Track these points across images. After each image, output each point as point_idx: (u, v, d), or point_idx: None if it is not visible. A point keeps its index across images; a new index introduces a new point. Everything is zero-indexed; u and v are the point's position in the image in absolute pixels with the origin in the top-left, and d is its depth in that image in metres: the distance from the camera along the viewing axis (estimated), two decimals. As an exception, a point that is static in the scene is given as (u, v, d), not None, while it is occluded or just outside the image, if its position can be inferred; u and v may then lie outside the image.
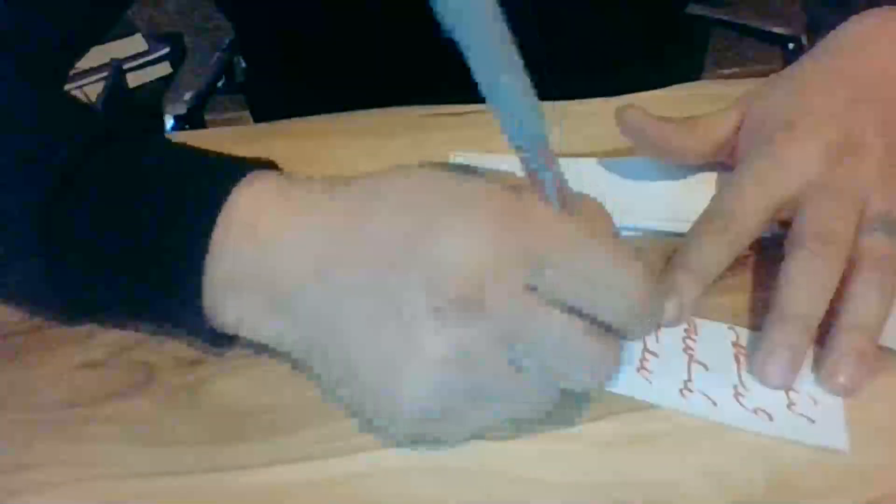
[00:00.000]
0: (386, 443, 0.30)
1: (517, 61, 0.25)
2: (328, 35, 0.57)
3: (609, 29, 0.58)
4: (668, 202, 0.42)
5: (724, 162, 0.42)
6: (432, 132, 0.48)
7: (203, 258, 0.30)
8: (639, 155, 0.43)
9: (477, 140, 0.44)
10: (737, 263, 0.36)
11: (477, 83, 0.25)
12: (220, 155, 0.33)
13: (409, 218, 0.28)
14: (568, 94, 0.50)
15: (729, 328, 0.34)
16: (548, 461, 0.30)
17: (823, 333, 0.33)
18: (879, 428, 0.31)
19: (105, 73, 1.38)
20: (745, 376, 0.32)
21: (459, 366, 0.27)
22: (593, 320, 0.28)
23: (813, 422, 0.30)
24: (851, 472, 0.29)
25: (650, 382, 0.32)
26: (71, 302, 0.33)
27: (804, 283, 0.33)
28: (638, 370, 0.32)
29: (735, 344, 0.34)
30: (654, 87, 0.51)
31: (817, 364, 0.32)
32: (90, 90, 1.40)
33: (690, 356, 0.33)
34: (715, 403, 0.31)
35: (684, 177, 0.43)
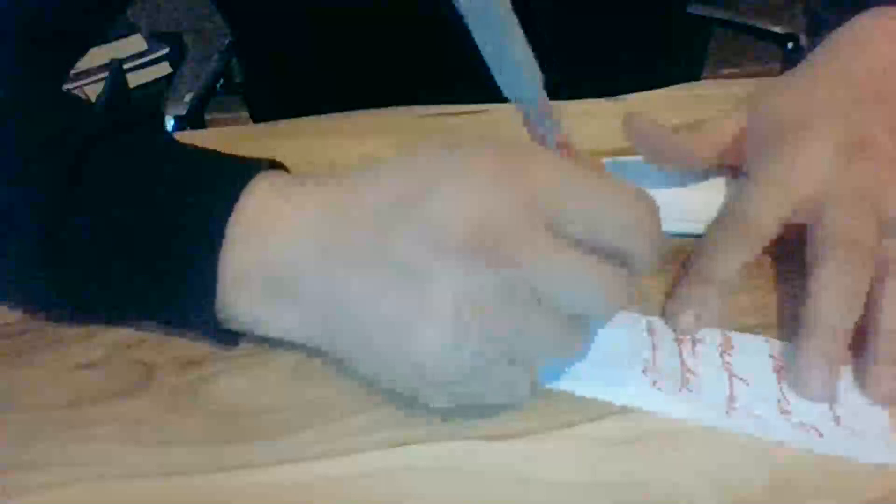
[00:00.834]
0: (386, 443, 0.30)
1: (515, 22, 0.25)
2: (327, 36, 0.57)
3: (609, 29, 0.58)
4: (672, 202, 0.41)
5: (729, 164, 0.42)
6: (432, 132, 0.48)
7: (215, 256, 0.30)
8: (644, 160, 0.43)
9: (477, 140, 0.44)
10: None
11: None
12: (227, 155, 0.33)
13: (402, 182, 0.28)
14: (568, 94, 0.50)
15: (765, 341, 0.34)
16: (548, 461, 0.30)
17: (857, 341, 0.32)
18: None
19: (105, 73, 1.38)
20: (787, 391, 0.32)
21: (475, 313, 0.27)
22: (601, 252, 0.28)
23: (862, 437, 0.30)
24: (851, 472, 0.29)
25: (694, 402, 0.31)
26: (75, 301, 0.33)
27: (835, 292, 0.32)
28: (680, 389, 0.32)
29: (772, 357, 0.33)
30: (654, 87, 0.51)
31: (857, 374, 0.32)
32: (90, 90, 1.41)
33: (730, 372, 0.32)
34: (762, 421, 0.30)
35: (689, 177, 0.43)
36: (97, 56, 1.41)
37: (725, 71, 1.79)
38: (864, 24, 0.41)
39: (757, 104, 0.40)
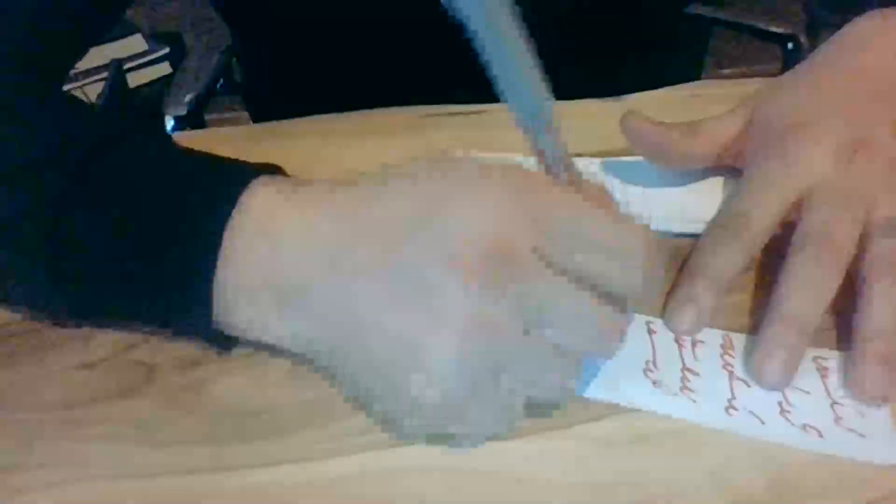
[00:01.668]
0: (386, 443, 0.30)
1: (524, 44, 0.25)
2: (327, 36, 0.57)
3: (609, 29, 0.58)
4: (671, 202, 0.42)
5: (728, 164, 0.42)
6: (432, 132, 0.48)
7: (214, 262, 0.30)
8: (643, 160, 0.43)
9: (477, 140, 0.44)
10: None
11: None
12: (227, 159, 0.33)
13: (416, 197, 0.28)
14: (568, 94, 0.50)
15: None
16: (548, 461, 0.30)
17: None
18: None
19: (105, 73, 1.38)
20: (789, 391, 0.32)
21: (481, 334, 0.27)
22: (602, 289, 0.28)
23: (863, 437, 0.30)
24: (851, 472, 0.29)
25: (694, 402, 0.31)
26: (75, 305, 0.33)
27: (802, 284, 0.32)
28: (681, 390, 0.32)
29: None
30: (655, 87, 0.51)
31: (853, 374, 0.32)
32: (90, 90, 1.41)
33: (731, 373, 0.32)
34: (763, 422, 0.30)
35: (688, 176, 0.43)
36: (97, 56, 1.41)
37: (725, 71, 1.79)
38: (867, 26, 0.41)
39: (759, 104, 0.40)
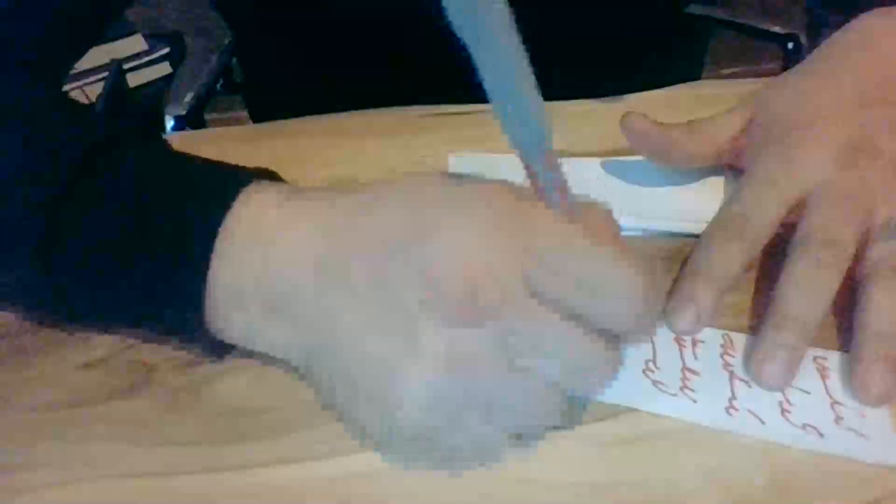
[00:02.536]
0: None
1: (525, 64, 0.24)
2: (326, 37, 0.57)
3: (609, 29, 0.58)
4: (671, 202, 0.42)
5: (729, 163, 0.42)
6: (432, 132, 0.48)
7: (206, 270, 0.30)
8: (643, 159, 0.43)
9: (477, 140, 0.44)
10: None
11: (480, 84, 0.24)
12: (221, 164, 0.33)
13: (407, 218, 0.28)
14: (568, 94, 0.50)
15: None
16: (548, 461, 0.30)
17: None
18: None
19: (105, 73, 1.38)
20: (789, 391, 0.32)
21: (460, 367, 0.27)
22: (593, 325, 0.27)
23: (863, 437, 0.30)
24: (851, 472, 0.29)
25: (694, 402, 0.31)
26: (69, 308, 0.33)
27: (803, 285, 0.32)
28: (681, 390, 0.32)
29: None
30: (654, 87, 0.51)
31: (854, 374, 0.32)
32: (90, 90, 1.41)
33: (731, 373, 0.32)
34: (763, 422, 0.30)
35: (688, 176, 0.43)
36: (97, 56, 1.41)
37: (725, 71, 1.78)
38: (868, 25, 0.41)
39: (760, 103, 0.40)
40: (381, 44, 0.56)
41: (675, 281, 0.36)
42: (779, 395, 0.31)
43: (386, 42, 0.55)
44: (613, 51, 0.59)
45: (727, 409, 0.31)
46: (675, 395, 0.32)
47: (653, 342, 0.34)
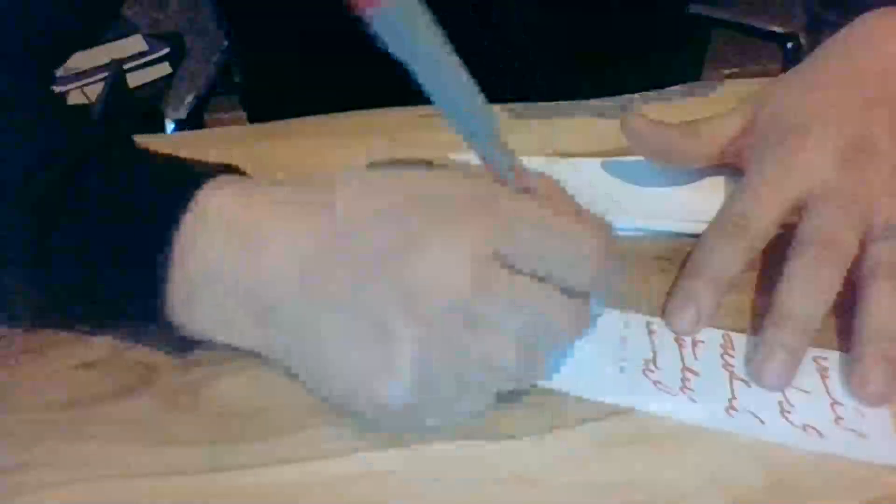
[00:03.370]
0: (385, 443, 0.30)
1: (456, 61, 0.26)
2: (324, 38, 0.57)
3: (609, 29, 0.58)
4: (671, 202, 0.42)
5: (728, 163, 0.42)
6: (432, 132, 0.48)
7: (166, 268, 0.30)
8: (643, 160, 0.43)
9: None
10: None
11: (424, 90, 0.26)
12: (183, 162, 0.33)
13: (389, 232, 0.29)
14: (568, 94, 0.50)
15: None
16: (548, 461, 0.30)
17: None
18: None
19: (105, 73, 1.38)
20: (789, 391, 0.32)
21: (438, 364, 0.28)
22: (559, 283, 0.29)
23: (863, 437, 0.30)
24: (851, 472, 0.29)
25: (694, 402, 0.31)
26: (41, 311, 0.34)
27: (803, 285, 0.32)
28: (681, 390, 0.32)
29: None
30: (655, 87, 0.51)
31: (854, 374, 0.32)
32: (90, 90, 1.41)
33: (731, 373, 0.32)
34: (763, 422, 0.30)
35: (687, 176, 0.43)
36: (97, 56, 1.41)
37: (725, 71, 1.79)
38: (868, 25, 0.41)
39: (760, 103, 0.40)
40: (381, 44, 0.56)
41: (675, 281, 0.36)
42: (779, 395, 0.31)
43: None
44: (614, 51, 0.59)
45: (727, 409, 0.31)
46: (675, 395, 0.32)
47: (653, 342, 0.34)
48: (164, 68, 1.55)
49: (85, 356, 0.34)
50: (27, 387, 0.33)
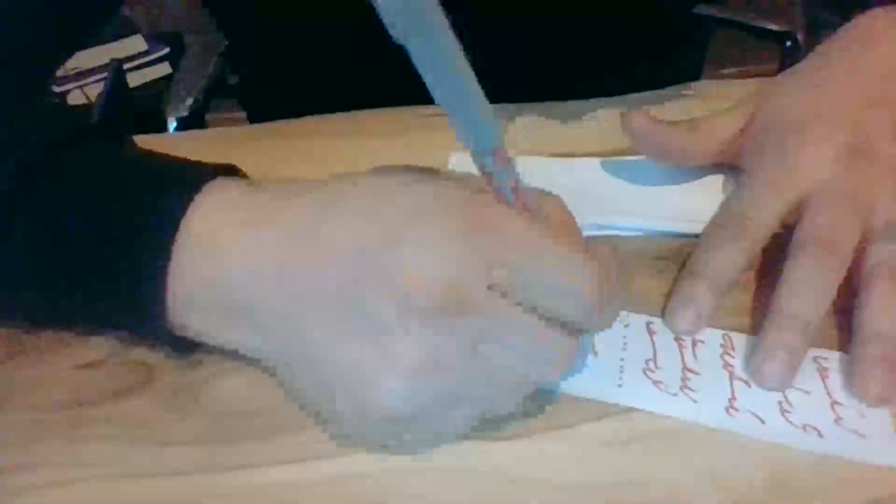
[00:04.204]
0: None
1: (467, 67, 0.24)
2: (323, 38, 0.57)
3: (609, 29, 0.58)
4: (671, 202, 0.42)
5: (728, 163, 0.42)
6: (432, 132, 0.48)
7: (165, 276, 0.29)
8: (643, 158, 0.43)
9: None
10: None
11: (431, 92, 0.25)
12: (179, 165, 0.32)
13: (370, 229, 0.28)
14: (568, 95, 0.50)
15: None
16: (547, 461, 0.30)
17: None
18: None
19: (105, 73, 1.38)
20: (789, 391, 0.32)
21: (433, 372, 0.27)
22: (552, 317, 0.28)
23: (863, 437, 0.30)
24: (851, 472, 0.29)
25: (694, 402, 0.31)
26: (22, 308, 0.33)
27: (803, 285, 0.32)
28: (681, 390, 0.32)
29: None
30: (655, 87, 0.51)
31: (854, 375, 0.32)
32: (90, 90, 1.41)
33: (731, 373, 0.32)
34: (763, 422, 0.30)
35: (688, 176, 0.43)
36: (97, 56, 1.41)
37: (725, 71, 1.78)
38: (868, 25, 0.41)
39: (760, 102, 0.40)
40: (378, 44, 0.56)
41: (675, 281, 0.36)
42: (779, 395, 0.31)
43: (382, 42, 0.55)
44: (614, 51, 0.59)
45: (727, 409, 0.31)
46: (675, 395, 0.32)
47: (653, 342, 0.34)
48: (164, 68, 1.55)
49: (85, 356, 0.34)
50: (27, 387, 0.33)
